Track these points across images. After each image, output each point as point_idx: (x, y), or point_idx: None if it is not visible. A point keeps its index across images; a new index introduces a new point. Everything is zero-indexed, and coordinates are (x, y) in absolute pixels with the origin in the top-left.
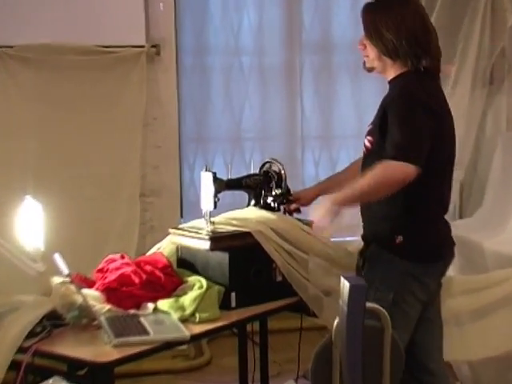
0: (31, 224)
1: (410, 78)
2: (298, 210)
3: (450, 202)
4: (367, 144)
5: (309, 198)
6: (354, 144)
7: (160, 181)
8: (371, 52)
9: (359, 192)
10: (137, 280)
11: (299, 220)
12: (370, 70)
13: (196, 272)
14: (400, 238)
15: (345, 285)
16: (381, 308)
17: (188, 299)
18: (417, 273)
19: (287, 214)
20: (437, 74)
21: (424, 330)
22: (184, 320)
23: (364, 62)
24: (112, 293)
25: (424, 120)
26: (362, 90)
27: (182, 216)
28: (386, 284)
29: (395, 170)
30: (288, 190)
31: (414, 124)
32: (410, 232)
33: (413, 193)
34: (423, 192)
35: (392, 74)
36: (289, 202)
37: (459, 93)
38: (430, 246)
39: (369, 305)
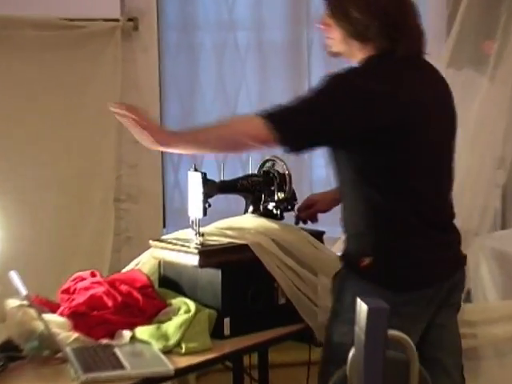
0: None
1: (368, 62)
2: (314, 218)
3: (441, 212)
4: None
5: (327, 201)
6: None
7: (138, 183)
8: (336, 33)
9: (195, 131)
10: (110, 303)
11: (307, 231)
12: (335, 54)
13: (182, 293)
14: (366, 260)
15: (362, 308)
16: (405, 336)
17: (172, 326)
18: (390, 301)
19: (300, 223)
20: (416, 59)
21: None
22: (167, 351)
23: (326, 46)
24: (80, 318)
25: (343, 105)
26: None
27: (164, 225)
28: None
29: (247, 122)
30: (293, 195)
31: (320, 100)
32: (378, 252)
33: (377, 202)
34: (389, 201)
35: (360, 59)
36: (293, 208)
37: (501, 76)
38: (405, 268)
39: (391, 332)
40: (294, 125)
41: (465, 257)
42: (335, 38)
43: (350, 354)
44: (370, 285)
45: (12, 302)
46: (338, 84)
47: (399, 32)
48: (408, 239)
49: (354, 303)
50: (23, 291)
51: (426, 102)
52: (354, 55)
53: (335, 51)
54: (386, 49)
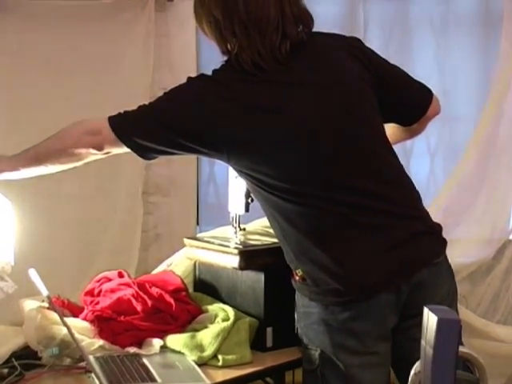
0: None
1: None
2: None
3: (369, 209)
4: None
5: None
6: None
7: (169, 174)
8: None
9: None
10: (139, 307)
11: None
12: None
13: (219, 298)
14: (299, 274)
15: (430, 318)
16: (474, 354)
17: (208, 335)
18: (337, 320)
19: None
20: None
21: None
22: (203, 363)
23: None
24: (105, 324)
25: (173, 110)
26: (448, 48)
27: (197, 222)
28: (310, 339)
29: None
30: None
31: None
32: (307, 264)
33: (279, 215)
34: (293, 212)
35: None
36: None
37: None
38: (339, 281)
39: (462, 349)
40: (125, 114)
41: (436, 249)
42: None
43: (412, 371)
44: (307, 300)
45: (30, 304)
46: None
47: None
48: (332, 245)
49: (305, 322)
50: (44, 291)
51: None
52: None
53: None
54: (230, 51)
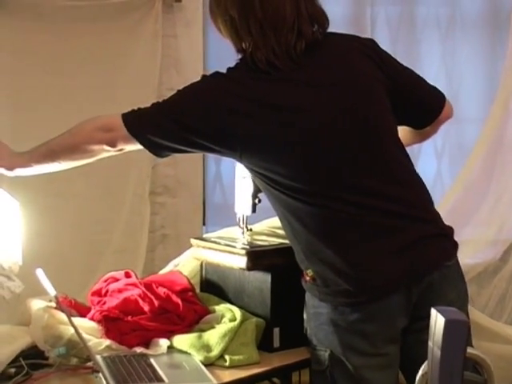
0: (5, 228)
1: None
2: None
3: (378, 211)
4: None
5: None
6: None
7: (176, 175)
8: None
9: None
10: (146, 307)
11: None
12: None
13: (226, 299)
14: (310, 274)
15: (437, 319)
16: (482, 355)
17: (215, 336)
18: (347, 321)
19: None
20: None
21: None
22: (210, 364)
23: None
24: (112, 324)
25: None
26: (455, 49)
27: (204, 223)
28: (320, 339)
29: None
30: None
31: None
32: (318, 264)
33: (291, 217)
34: (304, 213)
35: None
36: None
37: None
38: (350, 281)
39: (469, 351)
40: (139, 111)
41: (448, 252)
42: None
43: (420, 372)
44: (317, 301)
45: (37, 303)
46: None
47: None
48: (344, 246)
49: (314, 323)
50: (52, 291)
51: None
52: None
53: None
54: (245, 49)
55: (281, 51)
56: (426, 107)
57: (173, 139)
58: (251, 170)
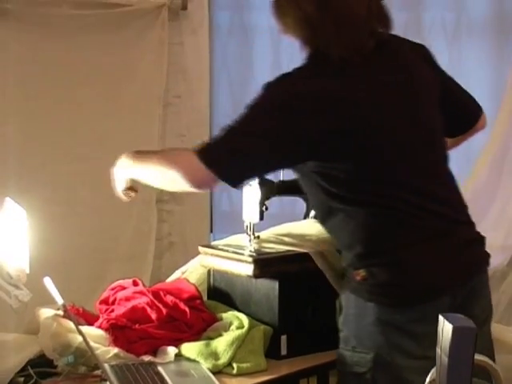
0: (12, 236)
1: (307, 62)
2: None
3: (437, 213)
4: None
5: None
6: None
7: None
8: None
9: (144, 162)
10: (154, 315)
11: None
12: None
13: (234, 306)
14: (362, 274)
15: (445, 326)
16: (490, 362)
17: (223, 343)
18: (397, 320)
19: None
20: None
21: None
22: (217, 371)
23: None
24: (120, 332)
25: (283, 121)
26: (462, 54)
27: (211, 230)
28: (362, 341)
29: (182, 159)
30: None
31: (256, 120)
32: (373, 264)
33: (359, 217)
34: (372, 213)
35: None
36: None
37: None
38: (403, 280)
39: (477, 357)
40: (230, 157)
41: (486, 258)
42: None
43: (428, 378)
44: (368, 304)
45: (46, 312)
46: (273, 95)
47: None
48: (397, 245)
49: (358, 324)
50: (60, 300)
51: (379, 97)
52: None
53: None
54: (318, 46)
55: (354, 48)
56: (465, 115)
57: (273, 167)
58: (312, 173)
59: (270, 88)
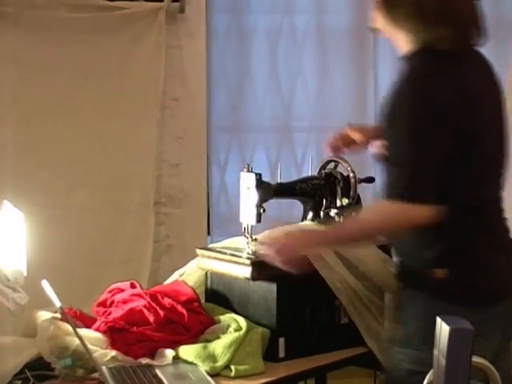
0: (10, 240)
1: (419, 61)
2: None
3: (503, 212)
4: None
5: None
6: None
7: (181, 185)
8: (377, 13)
9: (337, 238)
10: (151, 318)
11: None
12: (377, 31)
13: (232, 309)
14: (440, 273)
15: (442, 328)
16: (487, 364)
17: (220, 346)
18: (469, 318)
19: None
20: (467, 52)
21: None
22: (215, 374)
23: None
24: (118, 334)
25: (437, 129)
26: None
27: (208, 233)
28: (429, 341)
29: (397, 216)
30: (358, 200)
31: (425, 142)
32: (451, 263)
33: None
34: (455, 210)
35: (403, 48)
36: None
37: None
38: (483, 280)
39: (474, 359)
40: (436, 184)
41: None
42: (378, 13)
43: (426, 382)
44: (441, 303)
45: (43, 315)
46: (419, 105)
47: (436, 21)
48: (480, 245)
49: (426, 324)
50: (57, 303)
51: (483, 100)
52: (396, 40)
53: (376, 27)
54: (427, 40)
55: (460, 44)
56: None
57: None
58: None
59: (412, 98)
